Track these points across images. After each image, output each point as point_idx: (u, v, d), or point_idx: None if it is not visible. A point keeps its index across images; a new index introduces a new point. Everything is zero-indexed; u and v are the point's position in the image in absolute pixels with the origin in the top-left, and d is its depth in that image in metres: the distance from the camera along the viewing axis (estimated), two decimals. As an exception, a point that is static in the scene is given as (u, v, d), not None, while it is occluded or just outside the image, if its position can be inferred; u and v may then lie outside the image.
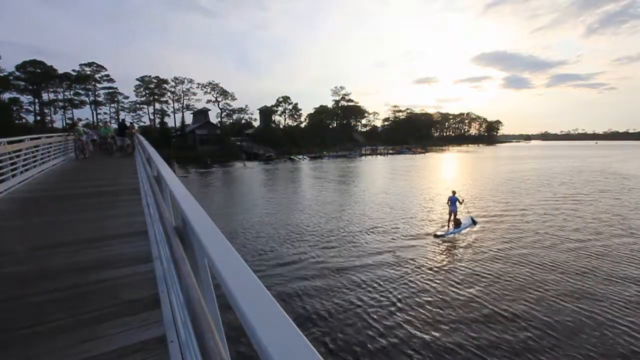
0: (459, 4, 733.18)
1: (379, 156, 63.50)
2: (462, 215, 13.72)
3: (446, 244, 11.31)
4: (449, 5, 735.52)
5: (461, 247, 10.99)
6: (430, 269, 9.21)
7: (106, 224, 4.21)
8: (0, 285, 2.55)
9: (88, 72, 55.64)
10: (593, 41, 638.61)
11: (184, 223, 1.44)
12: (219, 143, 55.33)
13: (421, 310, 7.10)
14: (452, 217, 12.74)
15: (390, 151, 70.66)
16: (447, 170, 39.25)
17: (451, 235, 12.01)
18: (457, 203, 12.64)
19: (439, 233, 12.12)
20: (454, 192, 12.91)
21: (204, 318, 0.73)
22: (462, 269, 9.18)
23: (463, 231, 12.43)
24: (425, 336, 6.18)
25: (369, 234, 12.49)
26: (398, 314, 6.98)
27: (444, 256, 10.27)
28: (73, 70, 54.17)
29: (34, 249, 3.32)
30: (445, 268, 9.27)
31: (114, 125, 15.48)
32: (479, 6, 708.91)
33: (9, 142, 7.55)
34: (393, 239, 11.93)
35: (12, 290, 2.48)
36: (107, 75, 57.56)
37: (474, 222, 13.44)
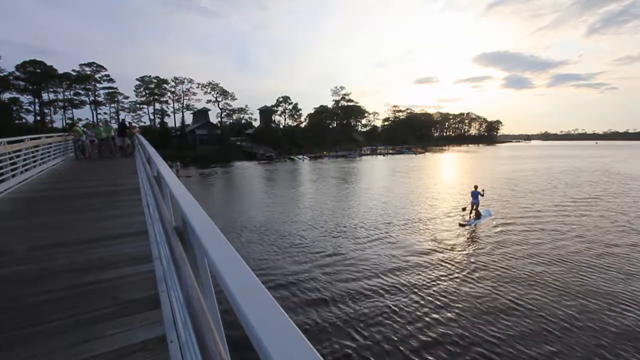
0: (460, 3, 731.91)
1: (379, 156, 63.43)
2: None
3: (469, 232, 12.65)
4: (449, 5, 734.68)
5: (482, 234, 12.34)
6: (462, 251, 10.64)
7: (106, 224, 4.20)
8: (0, 285, 2.55)
9: (88, 72, 55.64)
10: (594, 41, 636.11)
11: (184, 223, 1.44)
12: (219, 143, 55.38)
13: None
14: (473, 209, 13.98)
15: (390, 151, 70.65)
16: (448, 170, 39.23)
17: (473, 225, 13.37)
18: (479, 196, 13.80)
19: (462, 222, 13.49)
20: (475, 187, 13.99)
21: (204, 318, 0.73)
22: (491, 251, 10.56)
23: (482, 221, 13.77)
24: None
25: (385, 229, 13.13)
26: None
27: (473, 241, 11.73)
28: (73, 70, 54.27)
29: (34, 249, 3.32)
30: (473, 252, 10.61)
31: (114, 125, 15.35)
32: (481, 6, 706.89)
33: (9, 142, 7.55)
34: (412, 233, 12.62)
35: (12, 290, 2.48)
36: (107, 75, 57.64)
37: (491, 215, 14.69)
